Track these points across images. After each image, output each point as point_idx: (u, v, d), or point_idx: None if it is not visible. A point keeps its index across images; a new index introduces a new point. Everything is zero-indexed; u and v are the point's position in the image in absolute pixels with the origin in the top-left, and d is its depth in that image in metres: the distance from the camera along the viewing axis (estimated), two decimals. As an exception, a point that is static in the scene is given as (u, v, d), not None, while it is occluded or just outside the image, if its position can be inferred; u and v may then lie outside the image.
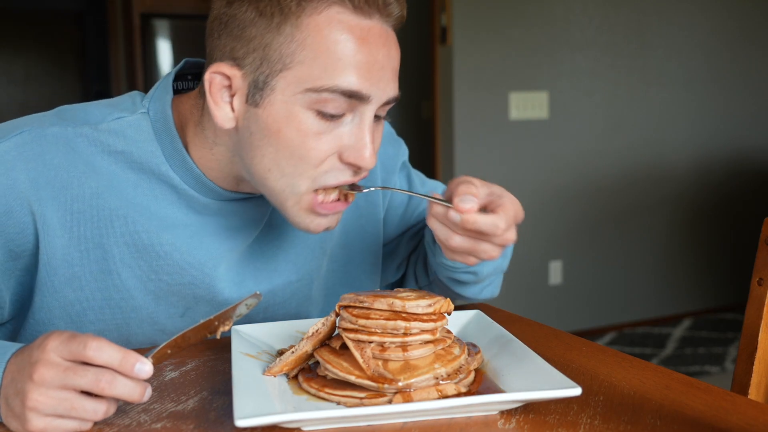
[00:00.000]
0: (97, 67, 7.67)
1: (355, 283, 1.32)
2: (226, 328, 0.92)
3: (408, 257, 1.41)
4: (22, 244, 1.06)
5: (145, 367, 0.82)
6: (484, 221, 0.97)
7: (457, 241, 0.99)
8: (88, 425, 0.84)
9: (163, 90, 1.12)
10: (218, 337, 0.92)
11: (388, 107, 1.06)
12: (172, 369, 1.04)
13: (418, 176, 1.39)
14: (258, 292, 0.93)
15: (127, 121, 1.10)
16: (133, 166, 1.09)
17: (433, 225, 1.00)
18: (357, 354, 0.88)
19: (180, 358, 1.09)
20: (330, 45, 0.97)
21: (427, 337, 0.90)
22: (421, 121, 5.79)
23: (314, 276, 1.28)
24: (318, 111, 0.99)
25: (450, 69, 4.20)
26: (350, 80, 0.98)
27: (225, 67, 1.01)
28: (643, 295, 4.82)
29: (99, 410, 0.83)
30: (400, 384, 0.86)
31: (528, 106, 4.36)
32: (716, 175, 4.92)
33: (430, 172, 4.58)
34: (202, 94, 1.07)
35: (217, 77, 1.02)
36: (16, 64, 7.89)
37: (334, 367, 0.90)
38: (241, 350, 0.99)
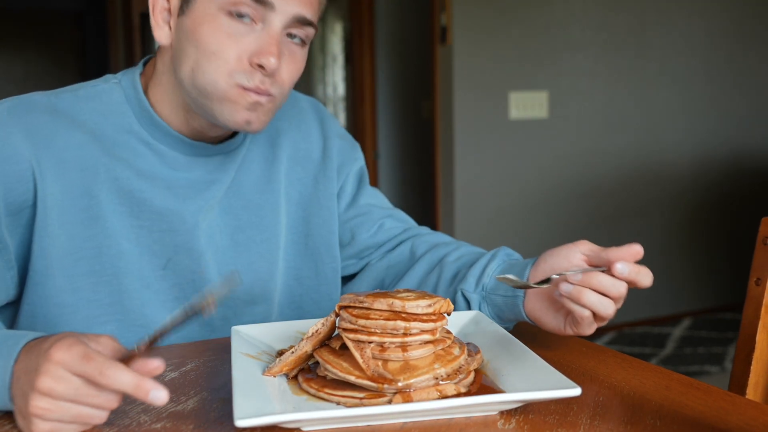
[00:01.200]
0: (97, 67, 7.67)
1: (314, 256, 1.39)
2: (212, 309, 0.91)
3: (370, 258, 1.45)
4: (22, 194, 1.13)
5: (160, 394, 0.81)
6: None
7: (610, 308, 1.03)
8: (91, 425, 0.85)
9: (132, 68, 1.29)
10: (205, 317, 0.92)
11: (304, 31, 1.18)
12: (172, 369, 1.04)
13: (370, 186, 1.49)
14: (238, 274, 0.94)
15: (102, 88, 1.25)
16: (109, 125, 1.21)
17: (591, 297, 1.02)
18: (357, 354, 0.88)
19: (180, 358, 1.09)
20: None
21: (427, 337, 0.90)
22: (421, 120, 5.79)
23: (278, 240, 1.34)
24: (230, 12, 1.12)
25: (450, 69, 4.20)
26: None
27: None
28: (643, 295, 4.81)
29: (104, 415, 0.85)
30: (399, 384, 0.86)
31: (528, 105, 4.36)
32: (715, 174, 4.93)
33: (430, 172, 4.59)
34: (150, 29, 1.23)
35: (158, 1, 1.19)
36: (16, 64, 7.90)
37: (333, 367, 0.90)
38: (240, 350, 0.99)
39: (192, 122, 1.23)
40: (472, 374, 0.93)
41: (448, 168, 4.29)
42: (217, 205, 1.27)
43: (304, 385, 0.92)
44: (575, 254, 1.08)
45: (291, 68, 1.19)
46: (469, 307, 1.21)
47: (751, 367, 1.23)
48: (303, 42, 1.20)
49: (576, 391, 0.83)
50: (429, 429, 0.83)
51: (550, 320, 1.10)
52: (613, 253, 1.03)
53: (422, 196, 5.74)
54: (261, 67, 1.13)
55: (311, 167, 1.40)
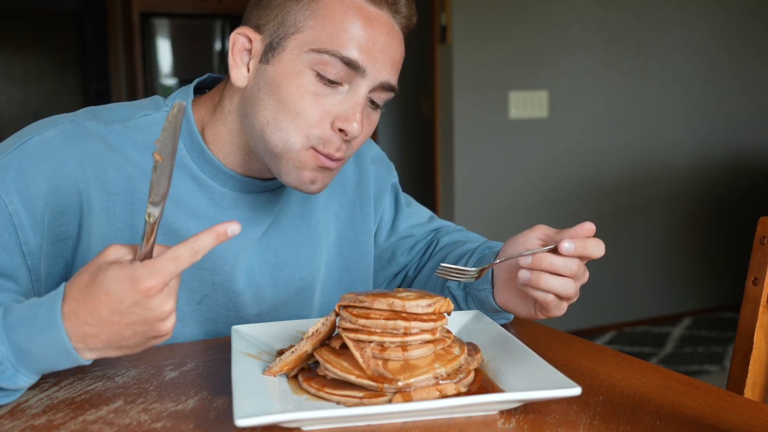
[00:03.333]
0: (97, 66, 7.67)
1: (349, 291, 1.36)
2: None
3: (407, 271, 1.46)
4: (67, 224, 1.11)
5: (233, 226, 0.86)
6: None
7: (570, 287, 1.04)
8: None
9: (184, 93, 1.23)
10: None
11: (385, 96, 1.16)
12: (171, 369, 1.04)
13: (405, 198, 1.48)
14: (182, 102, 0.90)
15: (153, 118, 1.20)
16: None
17: (550, 281, 1.03)
18: (357, 354, 0.88)
19: (180, 357, 1.09)
20: (339, 18, 1.09)
21: (427, 336, 0.90)
22: (420, 119, 5.79)
23: (315, 277, 1.32)
24: (318, 73, 1.09)
25: (450, 68, 4.20)
26: (351, 50, 1.09)
27: (249, 31, 1.15)
28: (642, 295, 4.82)
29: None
30: (399, 384, 0.86)
31: (527, 105, 4.36)
32: (715, 173, 4.93)
33: (430, 171, 4.58)
34: (224, 68, 1.20)
35: (240, 38, 1.15)
36: (15, 63, 7.89)
37: (333, 366, 0.90)
38: (241, 350, 0.99)
39: (250, 165, 1.21)
40: (472, 374, 0.93)
41: (447, 167, 4.29)
42: (257, 243, 1.25)
43: (304, 385, 0.92)
44: (531, 240, 1.11)
45: (366, 131, 1.17)
46: (458, 305, 1.25)
47: (749, 367, 1.23)
48: (380, 106, 1.17)
49: (576, 390, 0.83)
50: (429, 428, 0.83)
51: (521, 308, 1.15)
52: (565, 233, 1.05)
53: (422, 196, 5.73)
54: (342, 131, 1.11)
55: (346, 200, 1.39)
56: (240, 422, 0.77)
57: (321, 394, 0.89)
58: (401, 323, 0.89)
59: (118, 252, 0.87)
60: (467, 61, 4.20)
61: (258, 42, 1.14)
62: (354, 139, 1.13)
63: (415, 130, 5.86)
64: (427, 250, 1.44)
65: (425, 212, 1.49)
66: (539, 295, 1.05)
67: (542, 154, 4.43)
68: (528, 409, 0.88)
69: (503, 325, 1.23)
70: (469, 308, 1.24)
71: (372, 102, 1.15)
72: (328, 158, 1.12)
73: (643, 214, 4.75)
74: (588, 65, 4.49)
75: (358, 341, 0.90)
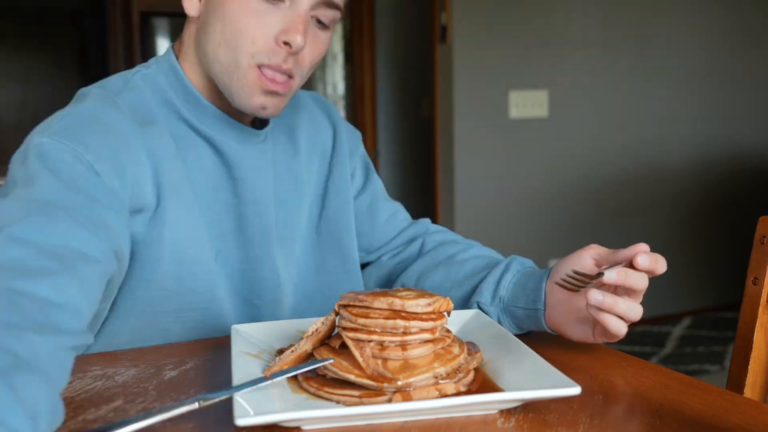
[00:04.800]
0: (97, 66, 7.66)
1: (331, 245, 1.38)
2: None
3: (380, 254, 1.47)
4: (146, 195, 1.13)
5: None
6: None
7: (639, 311, 1.02)
8: None
9: (167, 52, 1.29)
10: None
11: (330, 13, 1.18)
12: (171, 368, 1.04)
13: (374, 172, 1.50)
14: None
15: (145, 74, 1.24)
16: (162, 115, 1.21)
17: (623, 306, 1.01)
18: (356, 353, 0.88)
19: (179, 357, 1.09)
20: None
21: (427, 336, 0.90)
22: (420, 119, 5.79)
23: (296, 236, 1.35)
24: None
25: (450, 67, 4.20)
26: None
27: None
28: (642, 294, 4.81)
29: None
30: (399, 383, 0.86)
31: (528, 104, 4.36)
32: (716, 173, 4.93)
33: (430, 171, 4.58)
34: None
35: None
36: (15, 63, 7.88)
37: (333, 366, 0.90)
38: (241, 349, 0.99)
39: (223, 98, 1.23)
40: (472, 373, 0.93)
41: (447, 167, 4.29)
42: (270, 197, 1.29)
43: (304, 384, 0.92)
44: (586, 259, 1.08)
45: (314, 50, 1.19)
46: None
47: (749, 367, 1.23)
48: (327, 26, 1.20)
49: (576, 390, 0.83)
50: (429, 428, 0.83)
51: (576, 331, 1.09)
52: (625, 252, 1.02)
53: (422, 196, 5.74)
54: (287, 44, 1.14)
55: (326, 158, 1.41)
56: (240, 421, 0.77)
57: (321, 393, 0.89)
58: (401, 322, 0.89)
59: None
60: (467, 60, 4.20)
61: None
62: (299, 50, 1.15)
63: (415, 130, 5.86)
64: (409, 246, 1.44)
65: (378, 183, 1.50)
66: (609, 320, 1.00)
67: (543, 153, 4.43)
68: (528, 408, 0.88)
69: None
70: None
71: (319, 22, 1.18)
72: (273, 81, 1.15)
73: (643, 214, 4.75)
74: (588, 64, 4.49)
75: (357, 340, 0.90)
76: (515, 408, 0.88)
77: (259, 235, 1.26)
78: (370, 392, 0.87)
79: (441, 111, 4.34)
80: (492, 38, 4.25)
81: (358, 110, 5.50)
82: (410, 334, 0.89)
